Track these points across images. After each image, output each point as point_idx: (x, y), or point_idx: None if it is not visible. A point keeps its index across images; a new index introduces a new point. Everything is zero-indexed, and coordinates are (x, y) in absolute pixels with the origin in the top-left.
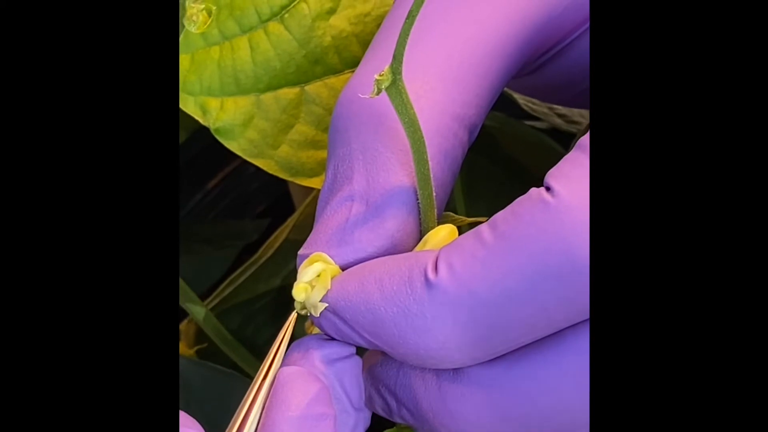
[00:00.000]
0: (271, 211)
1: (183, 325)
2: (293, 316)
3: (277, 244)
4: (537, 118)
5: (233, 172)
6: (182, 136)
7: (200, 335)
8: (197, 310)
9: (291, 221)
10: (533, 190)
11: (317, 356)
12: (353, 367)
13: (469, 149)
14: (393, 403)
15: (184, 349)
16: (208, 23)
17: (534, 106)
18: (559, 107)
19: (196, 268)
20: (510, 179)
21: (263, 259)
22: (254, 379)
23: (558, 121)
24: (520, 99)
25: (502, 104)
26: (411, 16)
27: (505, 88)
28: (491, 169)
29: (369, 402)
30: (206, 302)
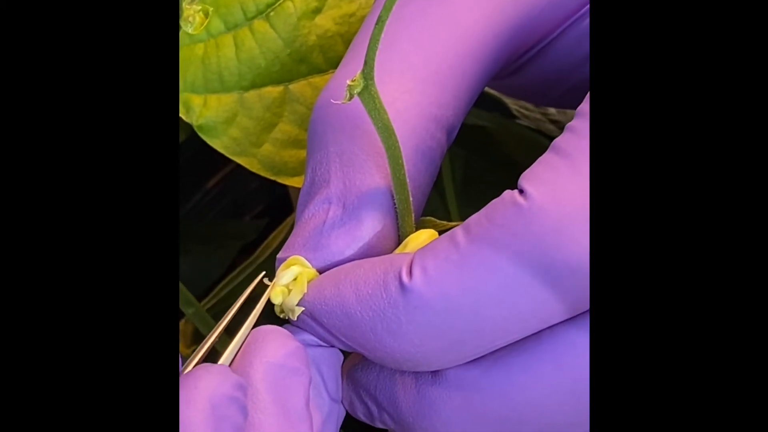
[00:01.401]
0: (270, 211)
1: (180, 325)
2: (258, 278)
3: (274, 245)
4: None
5: (232, 172)
6: (181, 136)
7: (197, 335)
8: (193, 310)
9: (289, 221)
10: (507, 192)
11: (296, 338)
12: (332, 356)
13: (465, 149)
14: (374, 408)
15: (182, 348)
16: (204, 24)
17: (526, 112)
18: (552, 112)
19: (195, 267)
20: (506, 179)
21: (261, 259)
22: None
23: (550, 127)
24: (512, 104)
25: (492, 109)
26: (380, 22)
27: (496, 93)
28: (487, 170)
29: (351, 408)
30: (204, 302)
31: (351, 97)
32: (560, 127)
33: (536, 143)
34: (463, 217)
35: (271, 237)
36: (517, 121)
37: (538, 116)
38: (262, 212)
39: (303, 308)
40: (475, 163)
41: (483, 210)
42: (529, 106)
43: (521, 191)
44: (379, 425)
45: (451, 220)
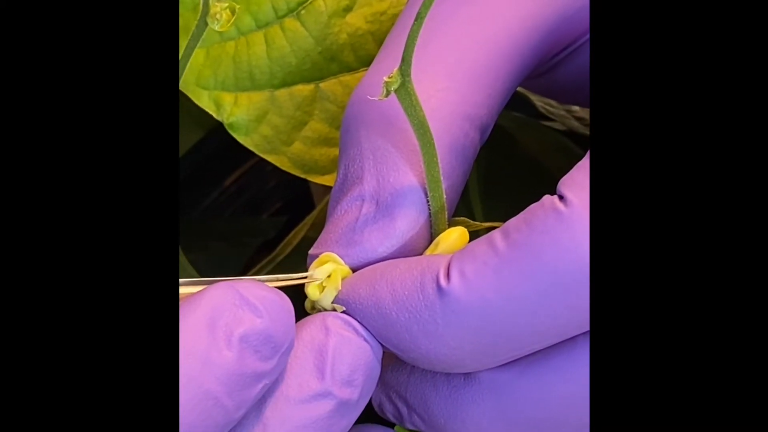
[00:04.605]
0: (288, 209)
1: None
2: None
3: (295, 242)
4: (554, 121)
5: (250, 169)
6: (199, 134)
7: None
8: None
9: (310, 219)
10: (546, 198)
11: None
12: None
13: (488, 150)
14: (404, 409)
15: None
16: (231, 21)
17: (551, 109)
18: (577, 110)
19: (213, 264)
20: (529, 180)
21: (281, 256)
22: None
23: (575, 124)
24: (537, 101)
25: (518, 106)
26: (419, 18)
27: (522, 90)
28: (510, 170)
29: (380, 409)
30: None
31: (388, 93)
32: (585, 123)
33: (558, 143)
34: (486, 218)
35: (291, 235)
36: (541, 119)
37: (563, 113)
38: (281, 210)
39: (337, 306)
40: (497, 163)
41: (522, 214)
42: (554, 102)
43: (561, 197)
44: (409, 426)
45: (475, 220)
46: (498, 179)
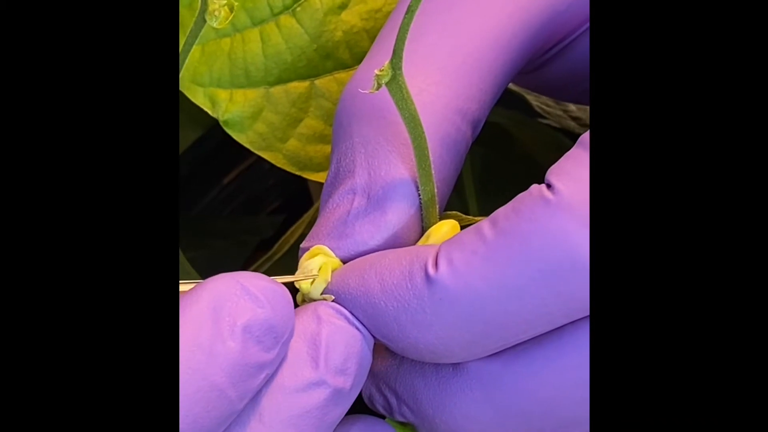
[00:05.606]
0: (287, 207)
1: None
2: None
3: (292, 240)
4: (550, 120)
5: (249, 168)
6: (198, 132)
7: None
8: None
9: (307, 217)
10: (534, 186)
11: None
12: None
13: (484, 147)
14: (393, 400)
15: None
16: (229, 19)
17: (547, 108)
18: (573, 109)
19: (212, 262)
20: (525, 178)
21: (278, 255)
22: None
23: (572, 124)
24: (534, 101)
25: (514, 105)
26: (410, 11)
27: (518, 89)
28: (506, 167)
29: (370, 401)
30: None
31: (378, 86)
32: (581, 123)
33: (555, 141)
34: (481, 214)
35: (288, 233)
36: (538, 118)
37: (559, 113)
38: (279, 208)
39: (327, 296)
40: (494, 160)
41: (510, 203)
42: (550, 102)
43: (549, 186)
44: (399, 418)
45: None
46: (494, 177)
